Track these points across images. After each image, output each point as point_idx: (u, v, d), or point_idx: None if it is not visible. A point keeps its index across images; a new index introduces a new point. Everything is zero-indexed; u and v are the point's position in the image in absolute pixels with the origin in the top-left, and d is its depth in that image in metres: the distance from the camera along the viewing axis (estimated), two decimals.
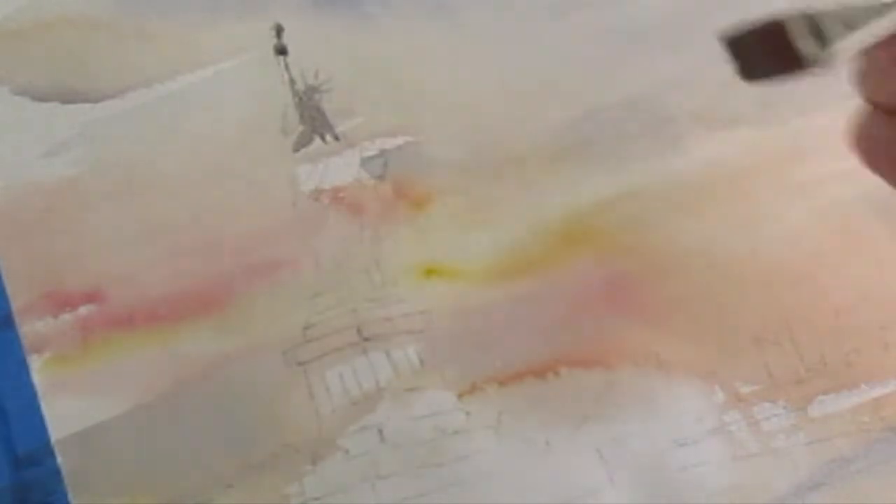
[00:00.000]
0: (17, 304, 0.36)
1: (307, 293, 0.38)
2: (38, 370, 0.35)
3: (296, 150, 0.40)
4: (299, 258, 0.39)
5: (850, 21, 0.35)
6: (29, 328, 0.36)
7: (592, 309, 0.40)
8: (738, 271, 0.40)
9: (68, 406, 0.35)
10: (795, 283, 0.39)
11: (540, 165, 0.41)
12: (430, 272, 0.40)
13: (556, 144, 0.40)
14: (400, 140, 0.41)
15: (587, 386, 0.39)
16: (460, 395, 0.38)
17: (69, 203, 0.37)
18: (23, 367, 0.35)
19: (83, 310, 0.36)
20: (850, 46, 0.35)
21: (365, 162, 0.40)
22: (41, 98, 0.38)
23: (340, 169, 0.40)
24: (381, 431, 0.37)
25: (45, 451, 0.34)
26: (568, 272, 0.40)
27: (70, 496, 0.34)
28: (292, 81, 0.40)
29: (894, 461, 0.40)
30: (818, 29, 0.34)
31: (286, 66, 0.41)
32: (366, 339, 0.38)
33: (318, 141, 0.40)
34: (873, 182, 0.32)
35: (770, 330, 0.40)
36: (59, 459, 0.34)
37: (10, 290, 0.36)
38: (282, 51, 0.41)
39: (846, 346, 0.38)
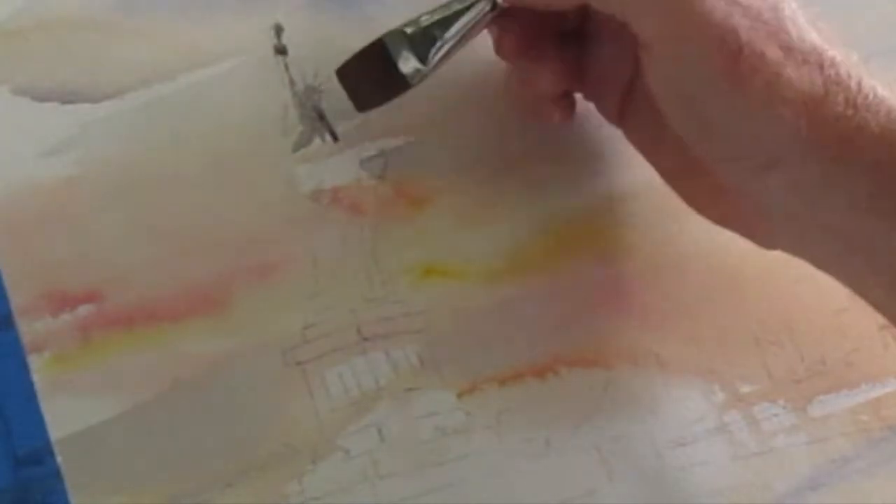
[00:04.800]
0: (16, 304, 0.36)
1: (306, 293, 0.38)
2: (38, 370, 0.35)
3: (295, 150, 0.40)
4: (299, 258, 0.39)
5: (441, 24, 0.36)
6: (29, 328, 0.36)
7: (592, 309, 0.40)
8: (738, 271, 0.40)
9: (68, 406, 0.35)
10: (795, 283, 0.39)
11: (540, 165, 0.41)
12: (429, 272, 0.40)
13: (556, 144, 0.40)
14: (399, 140, 0.41)
15: (587, 386, 0.39)
16: (460, 395, 0.38)
17: (69, 203, 0.37)
18: (23, 367, 0.35)
19: (83, 310, 0.36)
20: (442, 54, 0.36)
21: (364, 162, 0.40)
22: (41, 98, 0.38)
23: (340, 169, 0.40)
24: (380, 431, 0.37)
25: (45, 451, 0.35)
26: (568, 272, 0.40)
27: (70, 496, 0.34)
28: (292, 82, 0.40)
29: (894, 461, 0.40)
30: (415, 44, 0.35)
31: (286, 67, 0.41)
32: (365, 339, 0.38)
33: (317, 141, 0.40)
34: None
35: (770, 330, 0.40)
36: (59, 459, 0.34)
37: (9, 290, 0.36)
38: (281, 51, 0.41)
39: (846, 346, 0.38)
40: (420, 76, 0.36)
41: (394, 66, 0.36)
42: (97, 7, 0.39)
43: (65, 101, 0.38)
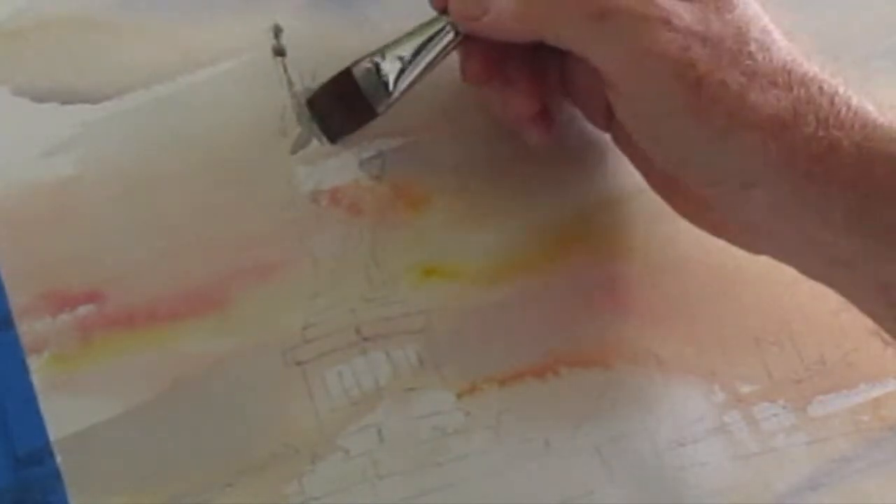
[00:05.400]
0: (16, 304, 0.36)
1: (306, 293, 0.38)
2: (38, 370, 0.35)
3: (294, 151, 0.40)
4: (298, 259, 0.39)
5: (407, 53, 0.38)
6: (28, 328, 0.36)
7: (592, 309, 0.40)
8: (738, 272, 0.40)
9: (68, 406, 0.35)
10: (795, 283, 0.39)
11: (540, 165, 0.41)
12: (429, 272, 0.40)
13: (556, 145, 0.40)
14: (398, 141, 0.41)
15: (587, 386, 0.39)
16: (460, 395, 0.38)
17: (69, 203, 0.37)
18: (23, 367, 0.35)
19: (82, 310, 0.36)
20: (408, 82, 0.38)
21: (363, 163, 0.40)
22: (41, 98, 0.38)
23: (339, 170, 0.40)
24: (380, 431, 0.37)
25: (45, 451, 0.34)
26: (567, 272, 0.40)
27: (70, 496, 0.34)
28: (290, 82, 0.40)
29: (894, 461, 0.40)
30: (381, 73, 0.36)
31: (284, 68, 0.41)
32: (365, 339, 0.38)
33: (316, 142, 0.40)
34: None
35: (770, 330, 0.40)
36: (59, 459, 0.34)
37: (9, 290, 0.36)
38: (280, 52, 0.41)
39: (846, 346, 0.38)
40: (386, 104, 0.38)
41: (361, 95, 0.37)
42: (97, 7, 0.39)
43: (65, 101, 0.38)
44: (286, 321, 0.38)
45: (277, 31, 0.41)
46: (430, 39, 0.38)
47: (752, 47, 0.33)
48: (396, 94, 0.38)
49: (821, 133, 0.32)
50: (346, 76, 0.38)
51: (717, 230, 0.38)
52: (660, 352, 0.40)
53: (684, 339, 0.39)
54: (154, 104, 0.39)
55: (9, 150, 0.37)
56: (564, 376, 0.39)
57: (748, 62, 0.33)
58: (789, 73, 0.33)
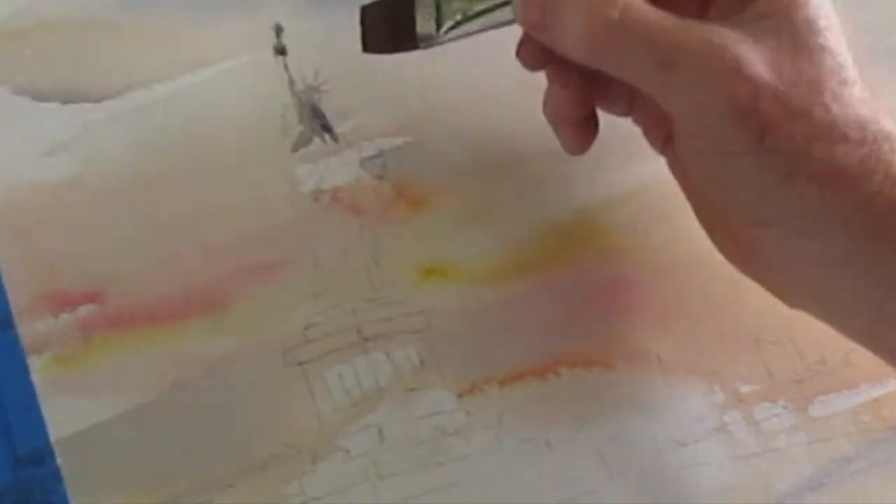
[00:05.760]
0: (16, 304, 0.36)
1: (307, 293, 0.38)
2: (38, 370, 0.35)
3: (295, 150, 0.40)
4: (299, 258, 0.39)
5: (472, 7, 0.37)
6: (29, 328, 0.36)
7: (592, 309, 0.40)
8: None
9: (68, 406, 0.35)
10: None
11: (540, 165, 0.41)
12: (429, 272, 0.40)
13: (557, 144, 0.40)
14: (399, 140, 0.41)
15: (588, 386, 0.39)
16: (460, 395, 0.38)
17: (69, 203, 0.37)
18: (23, 367, 0.35)
19: (83, 310, 0.36)
20: (458, 33, 0.37)
21: (364, 162, 0.40)
22: (41, 98, 0.38)
23: (340, 169, 0.40)
24: (381, 431, 0.37)
25: (45, 451, 0.34)
26: (568, 272, 0.40)
27: (70, 496, 0.34)
28: (291, 81, 0.40)
29: (894, 461, 0.40)
30: (440, 12, 0.36)
31: (285, 66, 0.41)
32: (366, 339, 0.38)
33: (317, 141, 0.40)
34: None
35: (770, 330, 0.40)
36: (59, 459, 0.34)
37: (9, 290, 0.36)
38: (281, 51, 0.41)
39: (846, 346, 0.38)
40: (430, 42, 0.37)
41: (412, 22, 0.36)
42: (97, 7, 0.39)
43: (65, 101, 0.38)
44: (287, 321, 0.38)
45: (278, 30, 0.41)
46: (497, 6, 0.36)
47: (826, 98, 0.32)
48: (442, 38, 0.37)
49: (886, 190, 0.32)
50: (407, 1, 0.37)
51: (758, 276, 0.37)
52: (660, 352, 0.40)
53: (684, 339, 0.39)
54: (154, 104, 0.39)
55: (9, 150, 0.37)
56: (565, 376, 0.39)
57: (819, 114, 0.32)
58: (863, 128, 0.32)
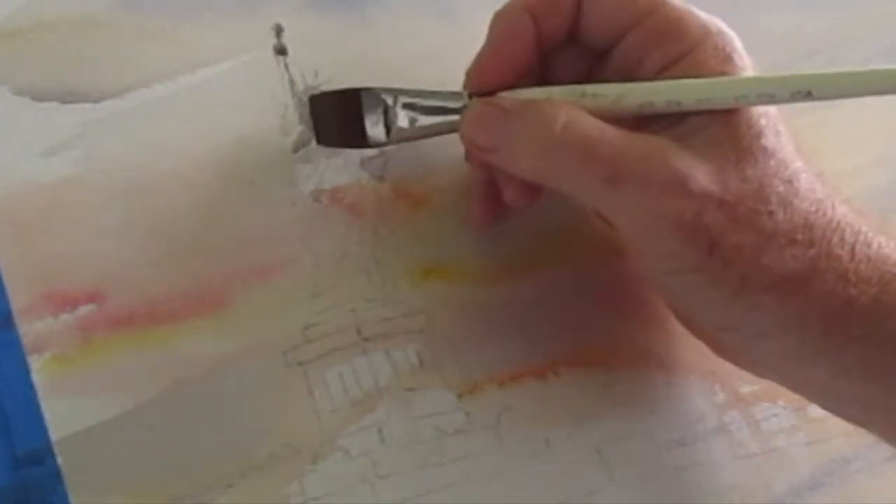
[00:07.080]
0: (16, 304, 0.36)
1: (307, 293, 0.38)
2: (38, 370, 0.35)
3: (295, 150, 0.40)
4: (299, 258, 0.39)
5: (418, 111, 0.37)
6: (29, 328, 0.36)
7: (592, 309, 0.40)
8: None
9: (68, 406, 0.35)
10: None
11: None
12: (429, 272, 0.40)
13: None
14: None
15: (587, 386, 0.39)
16: (460, 395, 0.38)
17: (69, 203, 0.37)
18: (23, 367, 0.35)
19: (83, 310, 0.36)
20: (407, 135, 0.37)
21: (364, 162, 0.40)
22: (41, 98, 0.38)
23: (340, 169, 0.40)
24: (380, 431, 0.37)
25: (45, 451, 0.34)
26: (568, 272, 0.40)
27: (70, 496, 0.34)
28: (292, 82, 0.40)
29: (894, 461, 0.40)
30: (387, 115, 0.35)
31: (286, 67, 0.41)
32: (365, 339, 0.38)
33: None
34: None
35: None
36: (59, 459, 0.34)
37: (10, 290, 0.36)
38: (281, 51, 0.41)
39: None
40: (379, 144, 0.37)
41: (361, 121, 0.36)
42: (97, 7, 0.39)
43: (65, 101, 0.38)
44: (287, 321, 0.38)
45: (279, 31, 0.41)
46: (446, 110, 0.37)
47: (773, 205, 0.32)
48: (392, 141, 0.37)
49: (839, 288, 0.32)
50: (354, 98, 0.37)
51: (734, 362, 0.38)
52: (660, 352, 0.40)
53: (684, 339, 0.39)
54: (154, 104, 0.39)
55: (9, 150, 0.37)
56: (565, 376, 0.39)
57: (766, 222, 0.32)
58: (811, 227, 0.32)
